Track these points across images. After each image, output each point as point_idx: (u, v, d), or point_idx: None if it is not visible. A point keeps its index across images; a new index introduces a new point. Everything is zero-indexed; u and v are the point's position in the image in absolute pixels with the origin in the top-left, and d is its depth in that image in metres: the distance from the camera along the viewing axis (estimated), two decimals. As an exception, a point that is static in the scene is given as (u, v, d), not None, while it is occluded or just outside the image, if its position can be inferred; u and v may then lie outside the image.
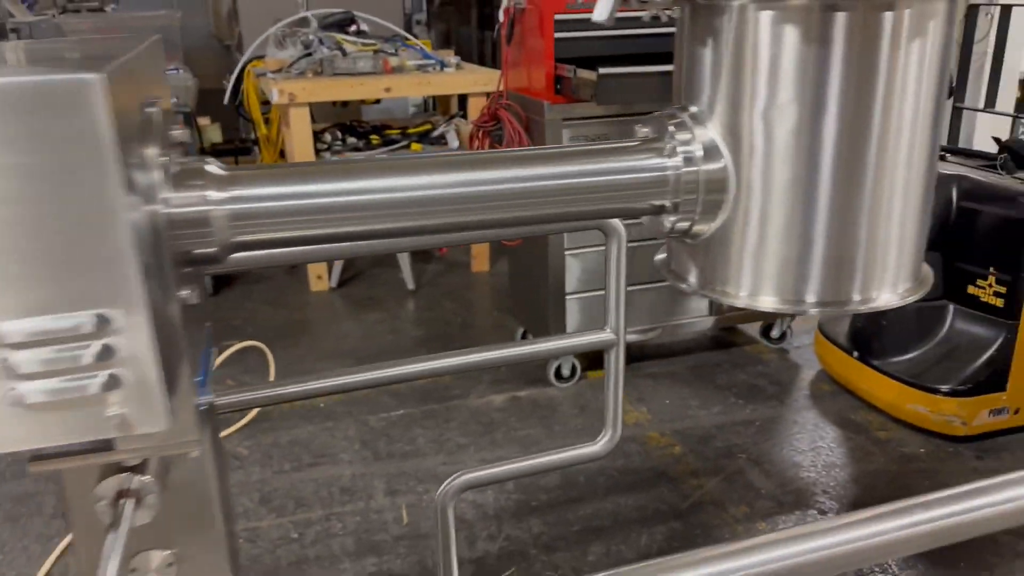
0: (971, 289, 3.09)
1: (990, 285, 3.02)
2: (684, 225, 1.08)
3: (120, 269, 0.74)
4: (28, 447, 0.78)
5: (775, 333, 3.93)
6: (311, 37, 4.78)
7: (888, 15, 0.98)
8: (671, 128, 1.07)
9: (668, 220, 1.08)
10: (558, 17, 3.12)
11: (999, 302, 3.01)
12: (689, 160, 1.05)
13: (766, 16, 1.03)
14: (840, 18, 0.99)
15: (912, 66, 1.00)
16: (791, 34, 1.02)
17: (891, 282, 1.10)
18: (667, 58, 3.22)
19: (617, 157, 1.08)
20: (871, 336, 3.31)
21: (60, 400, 0.76)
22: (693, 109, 1.10)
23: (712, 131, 1.06)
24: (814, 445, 3.14)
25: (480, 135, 3.58)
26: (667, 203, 1.07)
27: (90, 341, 0.75)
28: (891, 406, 3.22)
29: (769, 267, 1.10)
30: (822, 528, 1.03)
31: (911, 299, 1.10)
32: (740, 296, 1.13)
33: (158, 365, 0.78)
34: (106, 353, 0.76)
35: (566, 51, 3.16)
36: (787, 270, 1.09)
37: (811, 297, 1.10)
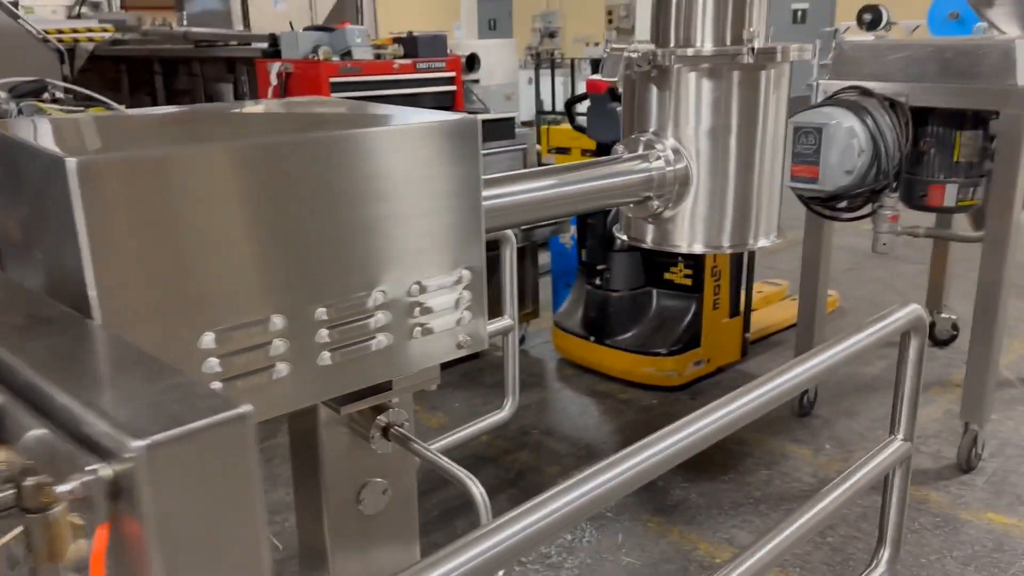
0: (667, 275, 4.10)
1: (680, 270, 4.06)
2: (660, 209, 1.70)
3: (476, 240, 1.15)
4: (424, 366, 1.13)
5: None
6: (4, 107, 4.53)
7: (763, 72, 1.69)
8: (644, 141, 1.68)
9: (653, 205, 1.68)
10: (333, 80, 3.55)
11: (688, 282, 4.05)
12: (667, 162, 1.67)
13: (693, 74, 1.69)
14: (736, 74, 1.68)
15: (774, 101, 1.73)
16: (707, 84, 1.69)
17: (766, 233, 1.81)
18: (426, 112, 3.83)
19: (617, 166, 1.66)
20: (602, 322, 4.19)
21: (441, 331, 1.14)
22: (651, 131, 1.72)
23: (671, 143, 1.70)
24: (582, 413, 3.90)
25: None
26: (652, 194, 1.67)
27: (459, 288, 1.14)
28: (626, 372, 4.12)
29: (700, 227, 1.76)
30: (618, 458, 1.38)
31: (778, 242, 1.83)
32: (682, 246, 1.77)
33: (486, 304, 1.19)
34: (464, 296, 1.15)
35: (340, 109, 3.59)
36: (711, 226, 1.76)
37: (725, 243, 1.77)
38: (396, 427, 1.29)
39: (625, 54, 1.67)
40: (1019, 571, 2.73)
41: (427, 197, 1.08)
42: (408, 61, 3.81)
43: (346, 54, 3.69)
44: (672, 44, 1.71)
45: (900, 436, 1.67)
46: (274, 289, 0.96)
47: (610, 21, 8.68)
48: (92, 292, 0.84)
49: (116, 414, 0.59)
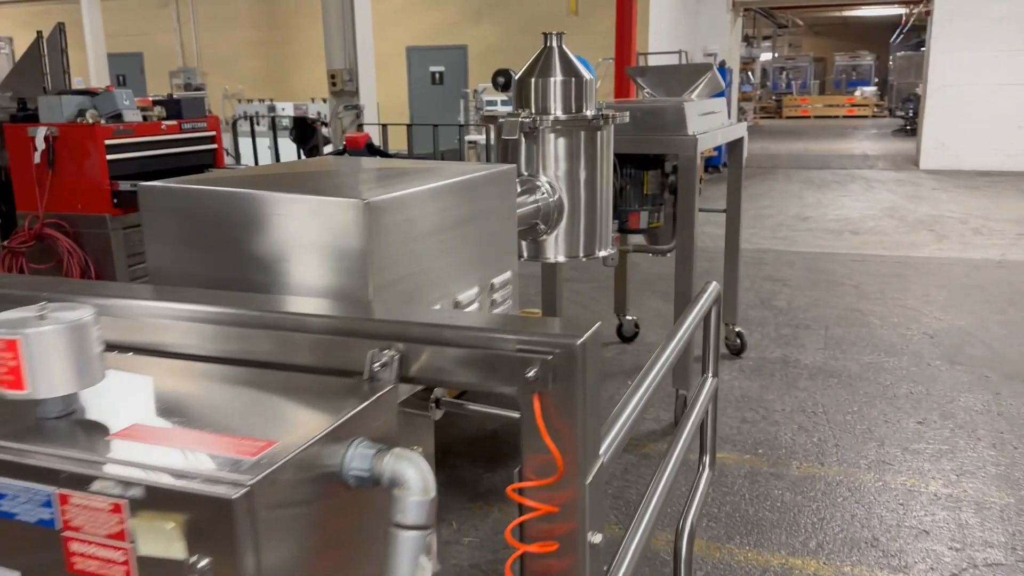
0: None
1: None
2: (545, 231, 2.29)
3: (512, 251, 1.64)
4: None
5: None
6: None
7: (600, 132, 2.37)
8: (521, 180, 2.27)
9: (540, 229, 2.27)
10: (109, 142, 3.61)
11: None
12: (548, 194, 2.27)
13: (552, 134, 2.32)
14: (582, 133, 2.35)
15: (607, 150, 2.42)
16: (561, 140, 2.34)
17: (604, 245, 2.49)
18: (187, 171, 3.98)
19: (520, 199, 2.22)
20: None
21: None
22: (526, 173, 2.31)
23: (545, 180, 2.30)
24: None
25: (13, 257, 3.69)
26: (539, 221, 2.26)
27: (509, 285, 1.63)
28: (401, 396, 4.58)
29: (563, 241, 2.38)
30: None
31: (613, 252, 2.51)
32: (551, 257, 2.38)
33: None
34: (508, 290, 1.64)
35: (118, 170, 3.65)
36: (571, 241, 2.39)
37: (580, 252, 2.42)
38: (443, 398, 1.72)
39: (520, 119, 2.24)
40: (740, 487, 3.72)
41: (500, 217, 1.57)
42: (174, 122, 3.95)
43: (114, 117, 3.72)
44: (533, 110, 2.32)
45: (711, 374, 2.44)
46: (449, 279, 1.40)
47: (334, 84, 9.06)
48: (368, 283, 1.23)
49: (544, 332, 1.05)
